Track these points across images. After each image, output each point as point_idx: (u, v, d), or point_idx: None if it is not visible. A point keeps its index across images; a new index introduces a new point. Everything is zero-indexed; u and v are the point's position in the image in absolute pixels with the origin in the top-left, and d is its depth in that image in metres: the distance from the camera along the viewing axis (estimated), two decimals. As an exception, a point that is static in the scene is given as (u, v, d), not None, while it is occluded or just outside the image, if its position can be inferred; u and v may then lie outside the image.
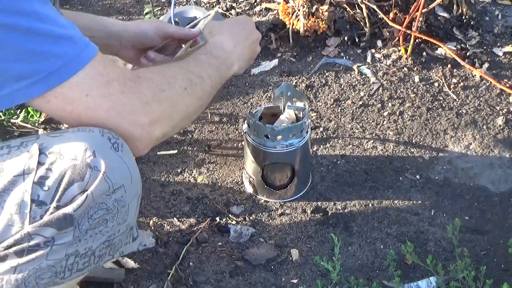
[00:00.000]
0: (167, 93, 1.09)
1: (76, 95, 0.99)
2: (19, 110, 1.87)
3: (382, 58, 2.10)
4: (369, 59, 2.10)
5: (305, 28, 2.10)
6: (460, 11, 2.18)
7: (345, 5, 2.17)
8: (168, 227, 1.61)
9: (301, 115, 1.60)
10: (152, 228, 1.60)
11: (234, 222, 1.62)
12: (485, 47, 2.13)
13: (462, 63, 2.01)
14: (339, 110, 1.93)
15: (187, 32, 1.45)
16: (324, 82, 2.03)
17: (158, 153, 1.81)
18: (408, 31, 2.02)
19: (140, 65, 1.44)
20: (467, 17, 2.18)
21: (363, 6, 2.09)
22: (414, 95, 1.97)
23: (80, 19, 1.38)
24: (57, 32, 0.97)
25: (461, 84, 2.00)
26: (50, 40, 0.95)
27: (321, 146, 1.82)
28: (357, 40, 2.15)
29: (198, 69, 1.18)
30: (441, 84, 2.00)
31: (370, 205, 1.66)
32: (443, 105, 1.94)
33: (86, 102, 1.00)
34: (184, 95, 1.12)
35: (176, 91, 1.11)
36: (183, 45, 1.45)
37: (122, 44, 1.44)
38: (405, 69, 2.06)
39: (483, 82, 2.00)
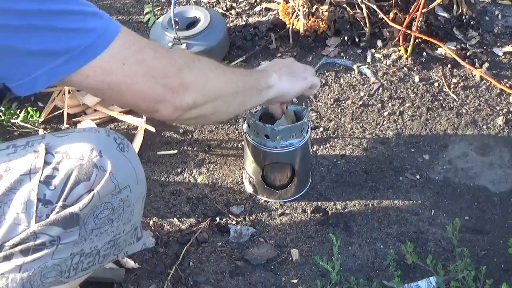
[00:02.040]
0: (197, 64, 1.11)
1: (114, 65, 0.99)
2: (19, 110, 1.87)
3: (382, 58, 2.10)
4: (369, 59, 2.10)
5: (305, 28, 2.10)
6: (460, 11, 2.18)
7: (345, 5, 2.16)
8: (168, 227, 1.61)
9: (301, 115, 1.60)
10: (152, 228, 1.60)
11: (234, 222, 1.62)
12: (485, 47, 2.13)
13: (462, 63, 2.01)
14: (339, 110, 1.93)
15: None
16: (324, 82, 2.03)
17: (158, 153, 1.81)
18: (408, 31, 2.02)
19: None
20: (467, 17, 2.18)
21: (363, 6, 2.09)
22: (414, 95, 1.97)
23: None
24: (86, 9, 0.98)
25: (461, 84, 2.00)
26: (82, 17, 0.96)
27: (321, 146, 1.82)
28: (357, 40, 2.15)
29: (229, 69, 1.25)
30: (441, 84, 2.00)
31: (370, 205, 1.66)
32: (443, 105, 1.94)
33: (123, 70, 1.00)
34: (214, 72, 1.16)
35: (205, 66, 1.14)
36: None
37: None
38: (405, 69, 2.06)
39: (483, 82, 2.00)
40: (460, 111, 1.92)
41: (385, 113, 1.91)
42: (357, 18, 2.15)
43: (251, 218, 1.64)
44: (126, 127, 1.89)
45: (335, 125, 1.88)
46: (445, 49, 2.06)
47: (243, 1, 2.35)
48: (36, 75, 0.95)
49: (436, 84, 2.01)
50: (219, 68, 1.18)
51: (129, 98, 1.03)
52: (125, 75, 1.01)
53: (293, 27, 2.12)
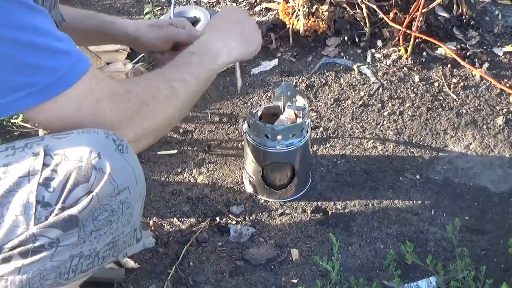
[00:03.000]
0: (151, 106, 1.11)
1: (67, 110, 1.01)
2: (19, 110, 1.87)
3: (382, 58, 2.11)
4: (369, 59, 2.10)
5: (305, 28, 2.10)
6: (460, 11, 2.18)
7: (345, 5, 2.17)
8: (168, 227, 1.61)
9: (301, 115, 1.60)
10: (152, 228, 1.60)
11: (234, 222, 1.62)
12: (485, 47, 2.13)
13: (462, 63, 2.01)
14: (339, 110, 1.93)
15: (190, 35, 1.46)
16: (324, 82, 2.03)
17: (158, 153, 1.81)
18: (408, 31, 2.02)
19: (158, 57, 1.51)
20: (467, 17, 2.18)
21: (363, 6, 2.10)
22: (414, 95, 1.97)
23: (96, 20, 1.44)
24: (55, 46, 0.98)
25: (461, 84, 2.00)
26: (48, 54, 0.97)
27: (321, 146, 1.82)
28: (357, 40, 2.15)
29: (179, 74, 1.19)
30: (441, 84, 2.01)
31: (370, 205, 1.66)
32: (443, 105, 1.94)
33: (75, 117, 1.02)
34: (168, 105, 1.14)
35: (159, 103, 1.13)
36: None
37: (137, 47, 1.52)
38: (405, 69, 2.06)
39: (483, 82, 2.01)
40: (460, 111, 1.92)
41: (385, 113, 1.91)
42: (357, 18, 2.15)
43: (251, 218, 1.64)
44: (126, 127, 1.89)
45: (335, 125, 1.88)
46: (445, 49, 2.06)
47: (243, 1, 2.35)
48: None
49: (436, 84, 2.01)
50: (171, 95, 1.14)
51: None
52: (76, 122, 1.02)
53: (293, 27, 2.12)
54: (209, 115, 1.93)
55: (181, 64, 1.21)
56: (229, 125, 1.90)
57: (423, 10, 1.97)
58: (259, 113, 1.64)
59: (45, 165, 0.99)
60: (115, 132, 1.04)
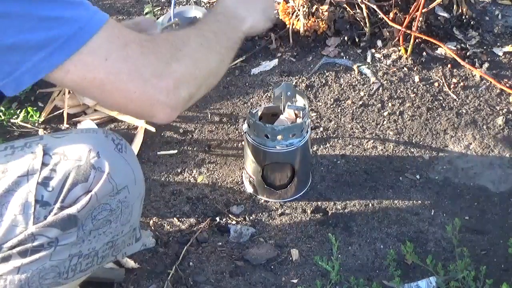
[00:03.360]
0: (185, 51, 1.04)
1: (95, 60, 0.93)
2: (19, 110, 1.87)
3: (382, 58, 2.10)
4: (369, 59, 2.10)
5: (305, 28, 2.10)
6: (460, 11, 2.18)
7: (345, 5, 2.16)
8: (168, 227, 1.61)
9: (301, 115, 1.60)
10: (152, 228, 1.60)
11: (234, 222, 1.62)
12: (485, 47, 2.13)
13: (462, 63, 2.01)
14: (339, 110, 1.93)
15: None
16: (324, 82, 2.03)
17: (158, 153, 1.81)
18: (408, 31, 2.02)
19: None
20: (467, 17, 2.18)
21: (363, 6, 2.09)
22: (414, 95, 1.97)
23: None
24: None
25: (461, 84, 2.00)
26: (62, 5, 0.91)
27: (321, 146, 1.82)
28: (357, 40, 2.15)
29: (208, 26, 1.13)
30: (441, 84, 2.00)
31: (370, 205, 1.66)
32: (443, 105, 1.94)
33: (106, 67, 0.94)
34: (202, 50, 1.07)
35: (192, 48, 1.05)
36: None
37: None
38: (405, 69, 2.06)
39: (483, 82, 2.01)
40: (460, 111, 1.92)
41: (385, 113, 1.91)
42: (357, 18, 2.15)
43: (251, 218, 1.63)
44: (126, 127, 1.89)
45: (335, 125, 1.88)
46: (445, 49, 2.06)
47: (243, 1, 2.35)
48: (20, 73, 0.90)
49: (436, 84, 2.01)
50: (203, 42, 1.08)
51: (116, 98, 0.97)
52: (108, 71, 0.94)
53: (293, 27, 2.12)
54: (209, 115, 1.93)
55: (210, 21, 1.15)
56: (229, 125, 1.90)
57: (423, 10, 1.97)
58: (259, 113, 1.64)
59: (44, 164, 0.99)
60: (153, 80, 0.97)
